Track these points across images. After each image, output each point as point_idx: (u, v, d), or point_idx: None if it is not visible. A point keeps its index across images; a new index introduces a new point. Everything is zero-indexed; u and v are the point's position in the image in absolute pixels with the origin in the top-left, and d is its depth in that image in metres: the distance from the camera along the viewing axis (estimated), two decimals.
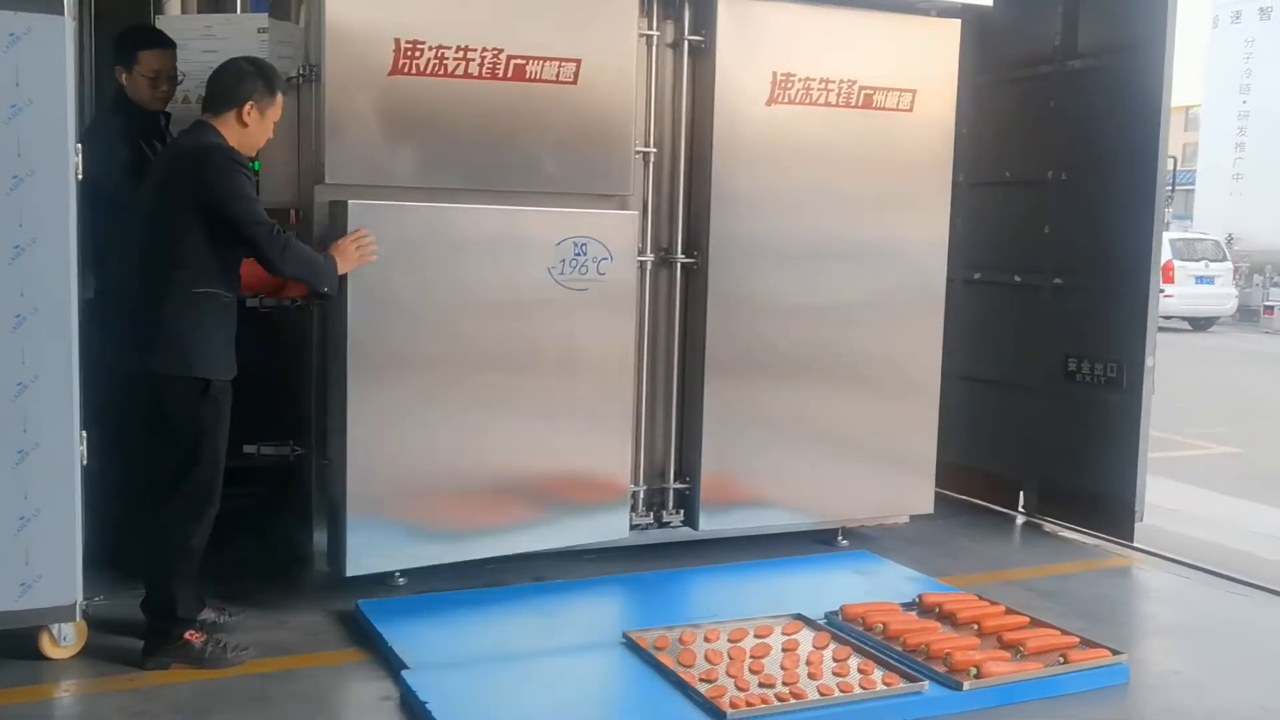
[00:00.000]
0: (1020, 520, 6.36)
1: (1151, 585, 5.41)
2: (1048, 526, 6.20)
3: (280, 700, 3.71)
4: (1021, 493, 6.42)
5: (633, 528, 5.07)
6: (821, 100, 5.14)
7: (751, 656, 3.99)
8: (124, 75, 4.83)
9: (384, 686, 3.82)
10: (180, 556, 3.94)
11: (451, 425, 4.53)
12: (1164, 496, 7.01)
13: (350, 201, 4.30)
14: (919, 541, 5.68)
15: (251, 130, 4.04)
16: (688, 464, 5.16)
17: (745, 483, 5.20)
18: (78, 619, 3.82)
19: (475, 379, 4.55)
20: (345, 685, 3.89)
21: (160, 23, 6.14)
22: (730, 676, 3.81)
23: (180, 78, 5.20)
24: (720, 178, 4.99)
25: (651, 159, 4.99)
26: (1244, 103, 31.49)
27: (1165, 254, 20.65)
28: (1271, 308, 23.19)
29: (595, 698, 3.69)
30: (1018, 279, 6.39)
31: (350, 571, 4.36)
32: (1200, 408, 11.45)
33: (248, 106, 4.00)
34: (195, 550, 3.99)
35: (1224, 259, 22.13)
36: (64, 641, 3.91)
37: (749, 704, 3.61)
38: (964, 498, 6.62)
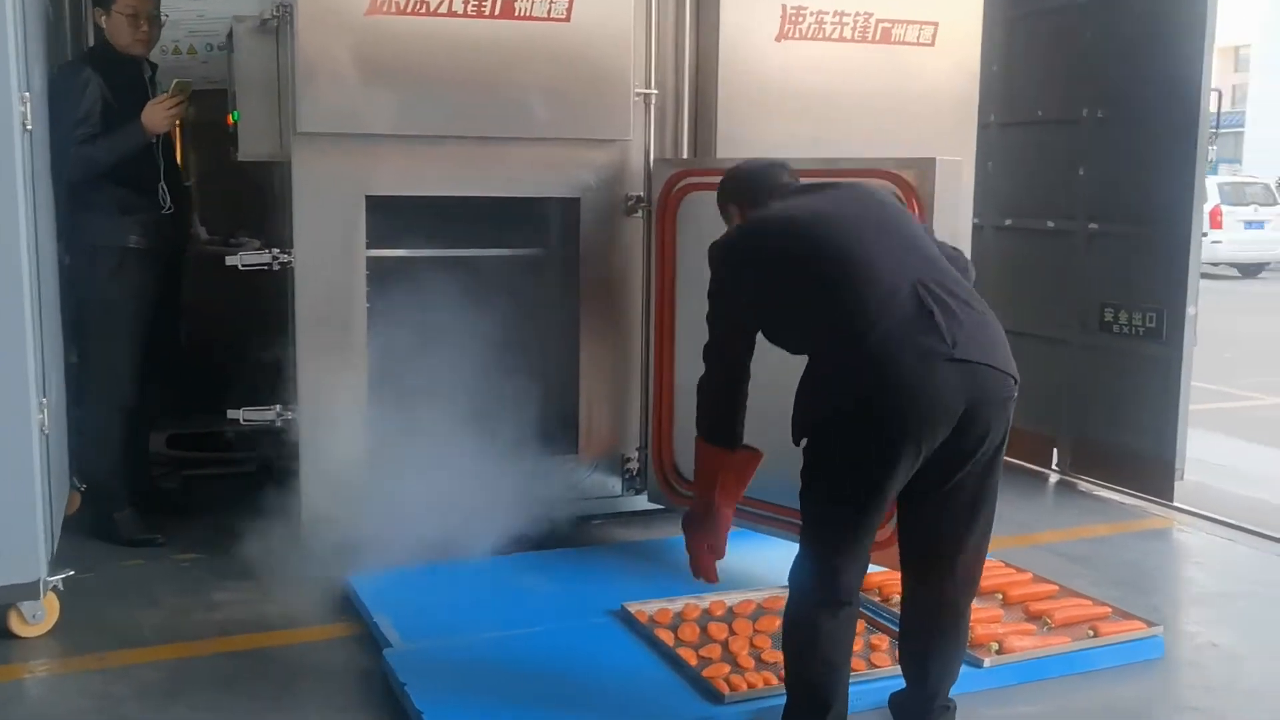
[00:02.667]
0: (1054, 479, 6.05)
1: (1192, 547, 5.08)
2: (1083, 485, 5.88)
3: (248, 680, 3.50)
4: (1055, 450, 6.10)
5: (638, 491, 4.83)
6: (835, 35, 4.79)
7: (756, 631, 3.73)
8: (103, 17, 4.56)
9: (365, 665, 3.60)
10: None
11: None
12: (1211, 451, 6.65)
13: (939, 159, 3.64)
14: None
15: None
16: None
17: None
18: (43, 596, 3.63)
19: None
20: (322, 665, 3.64)
21: None
22: (732, 654, 3.57)
23: (164, 20, 4.94)
24: (727, 119, 4.66)
25: (654, 101, 4.67)
26: None
27: (1213, 198, 20.18)
28: None
29: (583, 676, 3.45)
30: (1050, 224, 6.03)
31: None
32: (1250, 357, 10.99)
33: None
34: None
35: (1274, 203, 21.29)
36: (34, 619, 3.72)
37: (750, 684, 3.36)
38: None
